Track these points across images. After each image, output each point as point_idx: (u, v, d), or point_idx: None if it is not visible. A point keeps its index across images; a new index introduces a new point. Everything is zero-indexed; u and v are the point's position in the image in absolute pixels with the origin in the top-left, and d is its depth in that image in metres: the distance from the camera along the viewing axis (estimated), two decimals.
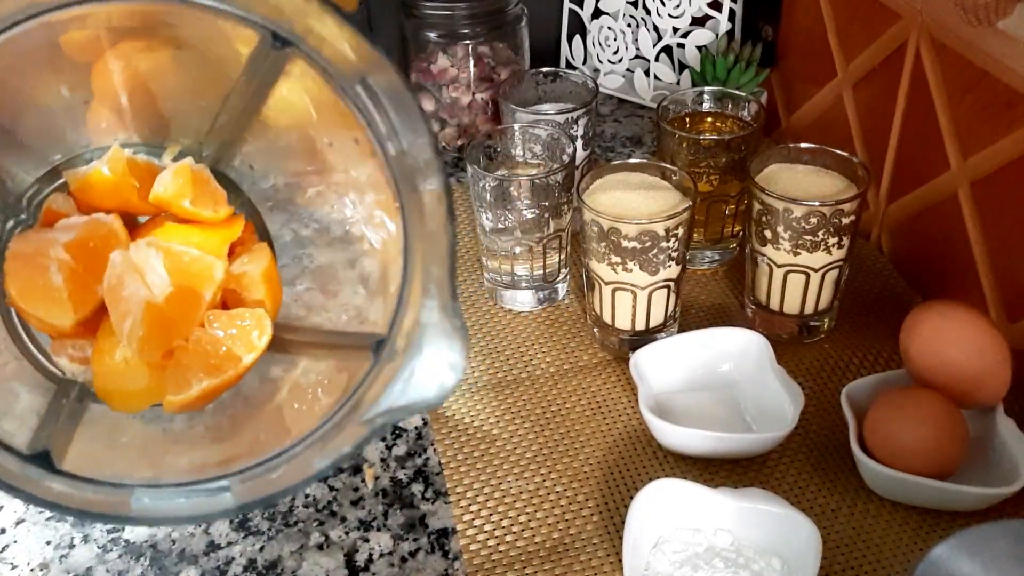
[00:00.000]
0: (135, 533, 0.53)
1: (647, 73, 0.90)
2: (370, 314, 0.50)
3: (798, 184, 0.60)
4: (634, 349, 0.59)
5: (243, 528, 0.53)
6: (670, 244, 0.58)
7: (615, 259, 0.58)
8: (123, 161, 0.49)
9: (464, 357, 0.43)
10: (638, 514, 0.48)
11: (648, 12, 0.88)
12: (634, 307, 0.60)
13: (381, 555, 0.52)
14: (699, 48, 0.86)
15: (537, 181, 0.62)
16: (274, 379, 0.51)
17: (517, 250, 0.65)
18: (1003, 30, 0.55)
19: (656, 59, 0.89)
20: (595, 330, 0.64)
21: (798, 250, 0.59)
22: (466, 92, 0.84)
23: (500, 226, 0.64)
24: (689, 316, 0.66)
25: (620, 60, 0.92)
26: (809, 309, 0.62)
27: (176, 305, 0.47)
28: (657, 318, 0.62)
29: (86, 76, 0.48)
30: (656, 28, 0.88)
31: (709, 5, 0.84)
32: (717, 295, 0.69)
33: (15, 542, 0.53)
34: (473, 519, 0.53)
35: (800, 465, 0.55)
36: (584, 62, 0.96)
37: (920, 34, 0.63)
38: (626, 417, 0.59)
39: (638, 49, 0.90)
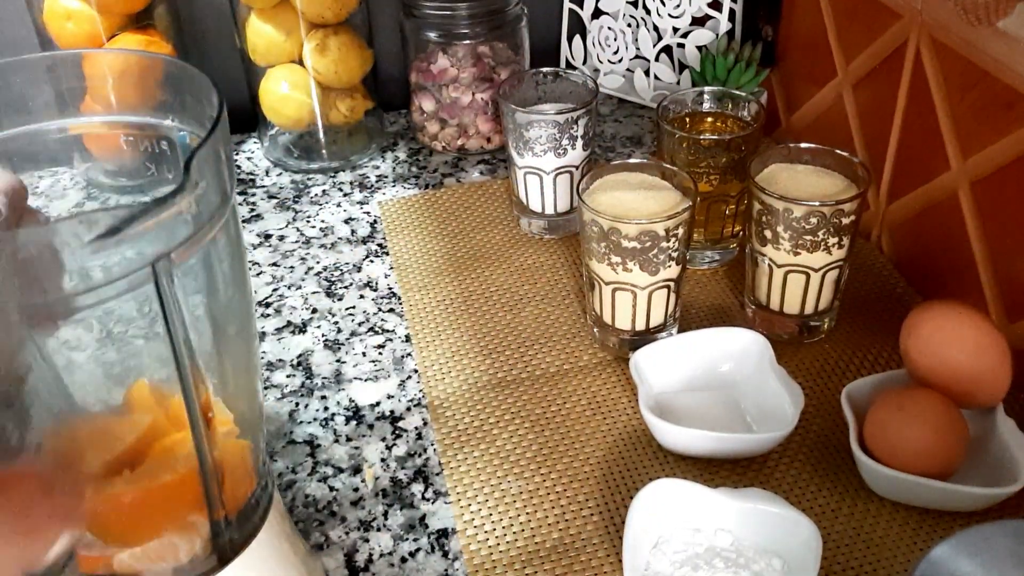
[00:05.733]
0: None
1: (647, 73, 0.90)
2: None
3: (798, 184, 0.60)
4: (634, 349, 0.59)
5: None
6: (670, 244, 0.58)
7: (615, 259, 0.58)
8: None
9: None
10: (638, 514, 0.48)
11: (648, 12, 0.88)
12: (634, 307, 0.60)
13: (381, 555, 0.52)
14: (699, 48, 0.86)
15: None
16: None
17: None
18: (1003, 30, 0.55)
19: (656, 59, 0.89)
20: (595, 330, 0.64)
21: (798, 250, 0.59)
22: (466, 92, 0.84)
23: None
24: (689, 316, 0.66)
25: (620, 60, 0.92)
26: (809, 309, 0.62)
27: None
28: (657, 318, 0.62)
29: None
30: (656, 28, 0.88)
31: (709, 5, 0.84)
32: (717, 295, 0.69)
33: None
34: (473, 519, 0.53)
35: (800, 465, 0.55)
36: (584, 62, 0.96)
37: (920, 34, 0.63)
38: (626, 417, 0.59)
39: (638, 49, 0.90)
